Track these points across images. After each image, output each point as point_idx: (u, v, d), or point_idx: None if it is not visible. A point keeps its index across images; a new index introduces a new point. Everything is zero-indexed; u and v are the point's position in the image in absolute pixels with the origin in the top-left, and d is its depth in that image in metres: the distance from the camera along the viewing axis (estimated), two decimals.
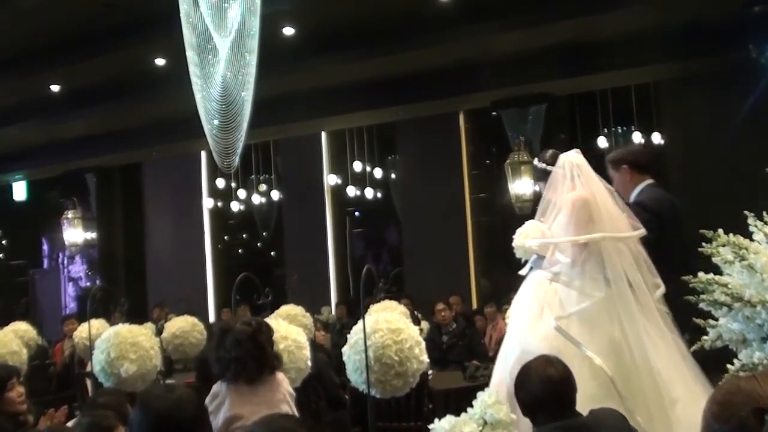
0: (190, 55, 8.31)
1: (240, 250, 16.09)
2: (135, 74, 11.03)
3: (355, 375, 4.71)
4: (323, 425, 6.08)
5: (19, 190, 16.84)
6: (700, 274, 3.47)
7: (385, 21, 9.55)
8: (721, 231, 3.45)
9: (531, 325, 4.14)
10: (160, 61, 10.75)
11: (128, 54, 10.41)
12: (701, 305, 3.47)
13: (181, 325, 8.55)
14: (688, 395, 3.76)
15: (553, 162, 4.40)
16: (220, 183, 14.16)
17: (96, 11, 9.70)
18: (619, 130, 11.78)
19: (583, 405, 3.06)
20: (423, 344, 4.87)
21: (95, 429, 3.25)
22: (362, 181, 13.43)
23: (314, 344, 6.38)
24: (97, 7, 9.60)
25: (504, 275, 6.98)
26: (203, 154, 14.41)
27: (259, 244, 15.50)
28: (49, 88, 11.86)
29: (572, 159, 4.36)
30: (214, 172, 13.83)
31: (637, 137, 11.40)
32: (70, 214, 14.29)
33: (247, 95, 7.73)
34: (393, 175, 13.78)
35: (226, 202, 14.51)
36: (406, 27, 9.58)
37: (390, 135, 13.44)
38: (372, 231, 14.84)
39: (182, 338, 8.41)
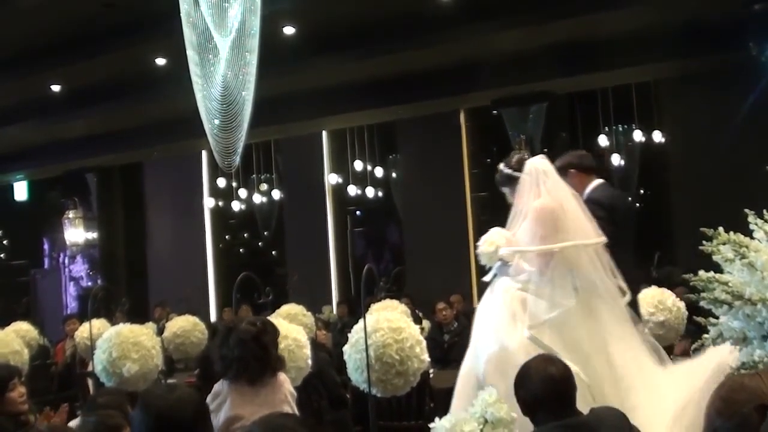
0: (191, 54, 8.35)
1: (241, 250, 16.08)
2: (135, 74, 11.04)
3: (356, 374, 4.70)
4: (324, 424, 6.05)
5: (20, 190, 16.82)
6: (701, 272, 3.45)
7: (385, 20, 9.57)
8: (721, 229, 3.44)
9: (507, 327, 4.14)
10: (160, 61, 10.75)
11: (129, 54, 10.43)
12: (701, 303, 3.45)
13: (182, 324, 8.50)
14: (648, 403, 3.79)
15: (519, 168, 4.38)
16: (221, 182, 14.13)
17: (96, 11, 9.71)
18: (620, 129, 11.77)
19: None
20: (424, 343, 4.86)
21: (103, 428, 3.25)
22: (363, 180, 13.42)
23: (315, 343, 6.37)
24: (97, 6, 9.61)
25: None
26: (204, 153, 14.39)
27: (260, 244, 15.47)
28: (50, 88, 11.87)
29: (538, 165, 4.33)
30: (215, 171, 13.77)
31: (638, 136, 11.41)
32: (71, 214, 14.37)
33: (248, 94, 7.77)
34: (394, 174, 13.76)
35: (227, 202, 14.49)
36: (406, 26, 9.59)
37: (391, 134, 13.44)
38: (373, 230, 14.85)
39: (183, 338, 8.35)
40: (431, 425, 3.19)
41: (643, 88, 11.33)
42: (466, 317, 9.58)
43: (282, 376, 4.20)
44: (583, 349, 3.98)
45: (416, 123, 12.41)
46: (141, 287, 14.83)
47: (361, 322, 4.65)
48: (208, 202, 14.76)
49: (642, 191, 12.44)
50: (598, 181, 4.98)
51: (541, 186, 4.27)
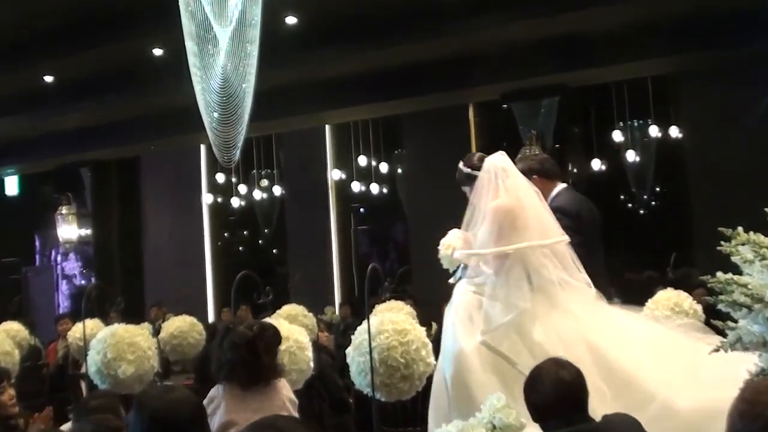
0: (190, 45, 8.41)
1: (240, 248, 16.22)
2: (132, 65, 11.08)
3: (360, 377, 4.68)
4: (326, 429, 6.10)
5: (11, 185, 16.85)
6: (719, 274, 3.37)
7: (391, 10, 9.56)
8: (740, 229, 3.37)
9: (463, 330, 4.20)
10: (158, 52, 10.77)
11: (125, 44, 10.48)
12: (719, 306, 3.37)
13: (179, 324, 8.50)
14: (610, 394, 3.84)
15: (480, 166, 4.39)
16: (220, 178, 14.17)
17: None
18: (635, 124, 11.88)
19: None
20: (430, 346, 4.83)
21: (104, 430, 3.29)
22: (367, 176, 13.42)
23: (317, 345, 6.37)
24: None
25: None
26: (203, 147, 14.35)
27: (260, 242, 15.50)
28: (43, 79, 11.82)
29: (497, 162, 4.35)
30: (214, 166, 13.78)
31: (654, 131, 11.45)
32: (64, 210, 14.42)
33: (248, 87, 7.79)
34: (399, 170, 13.76)
35: (226, 198, 14.54)
36: (412, 16, 9.56)
37: (396, 128, 13.38)
38: (377, 228, 14.88)
39: (180, 338, 8.36)
40: (437, 431, 3.13)
41: (659, 81, 11.28)
42: None
43: (281, 382, 4.23)
44: (542, 348, 3.93)
45: (423, 117, 12.33)
46: (137, 286, 14.83)
47: (364, 323, 4.63)
48: (207, 198, 14.77)
49: (658, 189, 12.61)
50: (561, 186, 5.05)
51: (499, 184, 4.28)
